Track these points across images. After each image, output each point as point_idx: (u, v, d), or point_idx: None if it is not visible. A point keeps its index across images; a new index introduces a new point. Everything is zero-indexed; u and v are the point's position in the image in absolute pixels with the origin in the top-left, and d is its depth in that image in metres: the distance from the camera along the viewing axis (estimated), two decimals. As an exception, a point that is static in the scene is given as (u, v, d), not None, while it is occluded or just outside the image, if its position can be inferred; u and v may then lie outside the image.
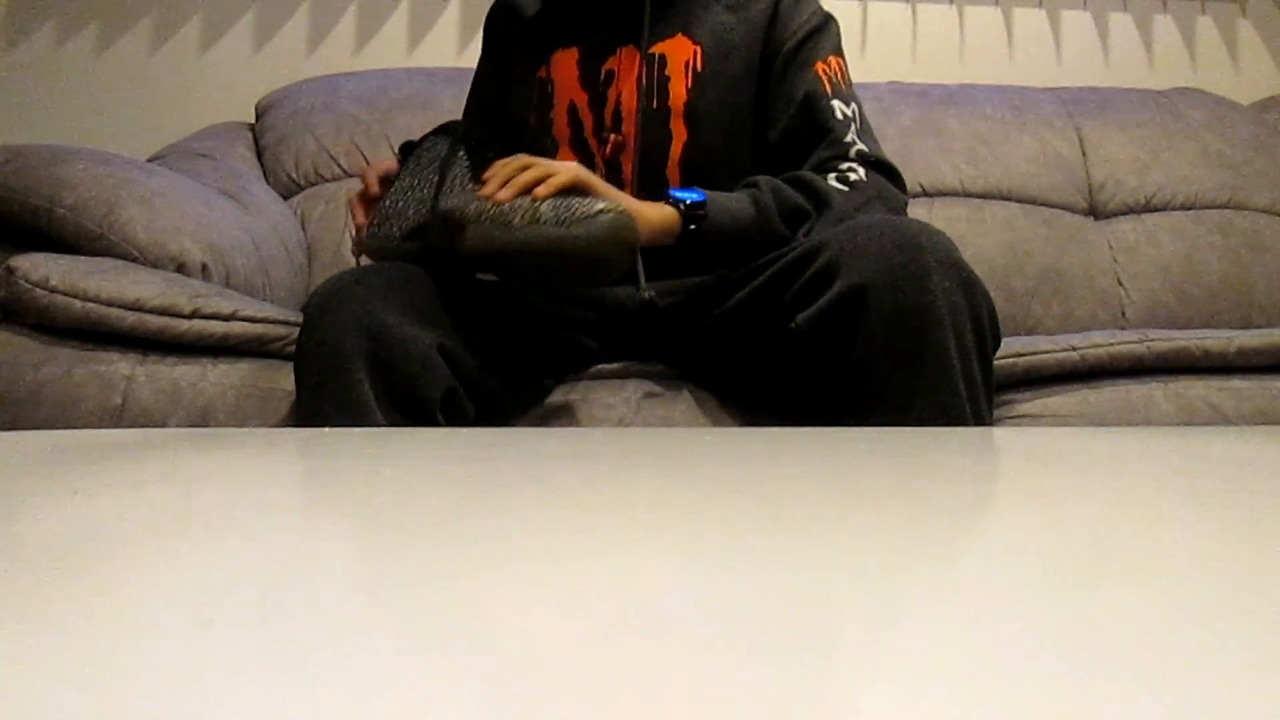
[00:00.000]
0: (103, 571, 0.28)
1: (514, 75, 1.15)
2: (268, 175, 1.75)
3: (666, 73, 1.07)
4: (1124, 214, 1.82)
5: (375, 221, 1.05)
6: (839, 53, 1.11)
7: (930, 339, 0.82)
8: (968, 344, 0.84)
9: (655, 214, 0.96)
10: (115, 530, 0.33)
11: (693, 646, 0.21)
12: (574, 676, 0.19)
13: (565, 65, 1.11)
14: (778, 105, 1.07)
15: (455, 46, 2.00)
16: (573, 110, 1.09)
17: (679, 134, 1.07)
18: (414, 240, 1.00)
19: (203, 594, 0.25)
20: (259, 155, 1.78)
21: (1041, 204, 1.80)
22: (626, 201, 0.95)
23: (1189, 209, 1.82)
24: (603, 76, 1.09)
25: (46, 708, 0.18)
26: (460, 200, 0.96)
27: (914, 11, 2.07)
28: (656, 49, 1.08)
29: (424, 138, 1.05)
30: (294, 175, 1.74)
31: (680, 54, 1.08)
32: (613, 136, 1.08)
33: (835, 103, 1.05)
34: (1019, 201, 1.80)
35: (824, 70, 1.07)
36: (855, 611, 0.24)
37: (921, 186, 1.74)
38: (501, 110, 1.16)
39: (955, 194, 1.78)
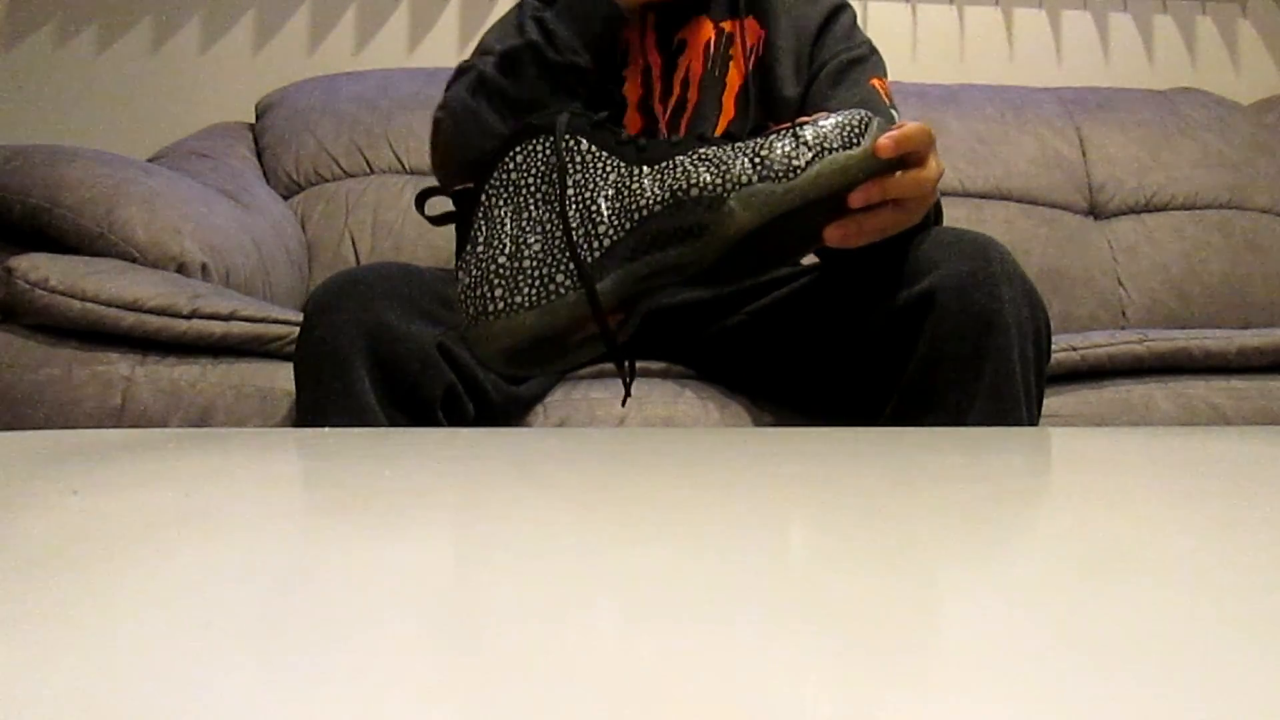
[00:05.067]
0: (103, 571, 0.28)
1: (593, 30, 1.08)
2: (268, 175, 1.75)
3: (731, 51, 1.10)
4: (1124, 214, 1.82)
5: (481, 298, 0.71)
6: (887, 79, 1.13)
7: (995, 345, 0.83)
8: (1028, 354, 0.85)
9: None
10: (115, 530, 0.33)
11: (695, 647, 0.21)
12: (574, 677, 0.19)
13: (637, 29, 1.10)
14: (829, 108, 1.06)
15: (455, 46, 2.00)
16: (646, 73, 1.10)
17: (726, 111, 1.09)
18: (596, 279, 0.70)
19: (203, 594, 0.25)
20: (259, 155, 1.78)
21: (1041, 204, 1.80)
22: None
23: (1189, 209, 1.82)
24: (675, 44, 1.10)
25: (47, 708, 0.18)
26: (684, 174, 0.70)
27: (914, 11, 2.08)
28: (727, 25, 1.11)
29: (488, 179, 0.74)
30: (294, 175, 1.74)
31: (748, 36, 1.11)
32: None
33: (894, 112, 1.06)
34: (1019, 201, 1.80)
35: (880, 85, 1.08)
36: (857, 611, 0.24)
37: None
38: (567, 66, 1.06)
39: (955, 194, 1.78)
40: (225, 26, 1.99)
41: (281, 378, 1.08)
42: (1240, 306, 1.75)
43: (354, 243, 1.68)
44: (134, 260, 1.18)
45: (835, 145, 0.70)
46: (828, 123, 0.71)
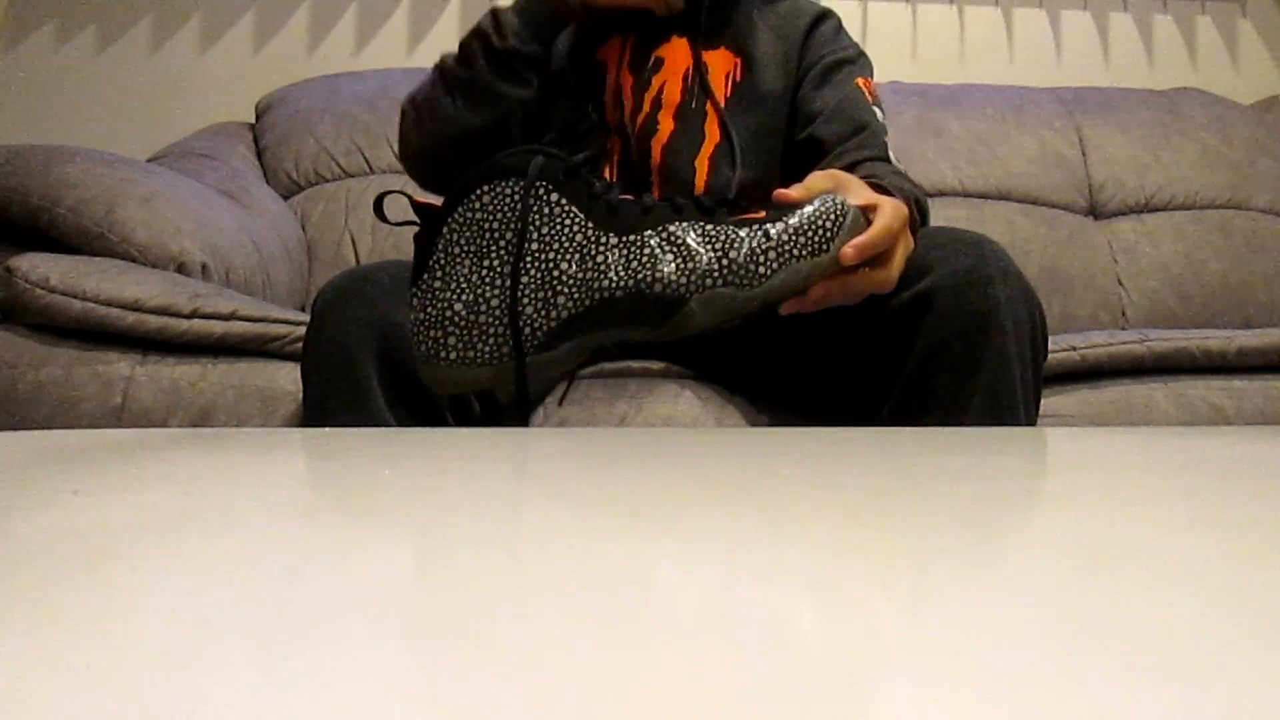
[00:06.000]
0: (103, 571, 0.28)
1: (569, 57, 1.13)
2: (268, 175, 1.75)
3: (708, 79, 1.10)
4: (1124, 214, 1.82)
5: (434, 341, 0.71)
6: (873, 80, 1.15)
7: (991, 345, 0.83)
8: (1025, 352, 0.85)
9: (892, 206, 0.80)
10: (115, 530, 0.33)
11: (695, 647, 0.21)
12: (575, 677, 0.19)
13: (615, 48, 1.12)
14: (814, 105, 1.09)
15: (455, 47, 2.00)
16: (618, 92, 1.11)
17: (711, 135, 1.09)
18: (551, 346, 0.70)
19: (203, 594, 0.25)
20: (259, 155, 1.78)
21: (1041, 204, 1.80)
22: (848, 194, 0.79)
23: (1189, 209, 1.82)
24: (650, 63, 1.11)
25: (47, 708, 0.18)
26: (646, 267, 0.69)
27: (914, 11, 2.07)
28: (705, 54, 1.11)
29: (453, 203, 0.71)
30: (294, 175, 1.74)
31: (723, 65, 1.11)
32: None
33: (876, 109, 1.08)
34: (1019, 201, 1.80)
35: (865, 84, 1.10)
36: (858, 612, 0.24)
37: (921, 187, 1.75)
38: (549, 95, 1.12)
39: (955, 194, 1.78)
40: (225, 26, 1.99)
41: (282, 378, 1.08)
42: (1240, 306, 1.75)
43: (354, 243, 1.68)
44: (134, 260, 1.18)
45: (802, 252, 0.71)
46: (796, 219, 0.71)
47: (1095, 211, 1.83)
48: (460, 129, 1.03)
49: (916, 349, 0.85)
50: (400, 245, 1.67)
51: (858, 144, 1.05)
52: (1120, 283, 1.76)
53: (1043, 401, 1.15)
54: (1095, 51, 2.12)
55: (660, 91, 1.10)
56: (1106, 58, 2.12)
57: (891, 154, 1.07)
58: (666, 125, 1.09)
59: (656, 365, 1.11)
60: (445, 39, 2.01)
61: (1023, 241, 1.74)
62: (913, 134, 1.79)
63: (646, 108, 1.10)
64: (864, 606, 0.24)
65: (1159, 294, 1.75)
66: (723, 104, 1.09)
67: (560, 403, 0.88)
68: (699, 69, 1.10)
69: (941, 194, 1.78)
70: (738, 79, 1.11)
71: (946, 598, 0.25)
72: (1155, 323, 1.72)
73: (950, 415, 0.84)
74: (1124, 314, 1.74)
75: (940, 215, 1.72)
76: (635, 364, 1.11)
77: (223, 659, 0.20)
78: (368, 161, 1.75)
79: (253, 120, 1.85)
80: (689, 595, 0.25)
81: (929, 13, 2.08)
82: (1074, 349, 1.19)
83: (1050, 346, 1.16)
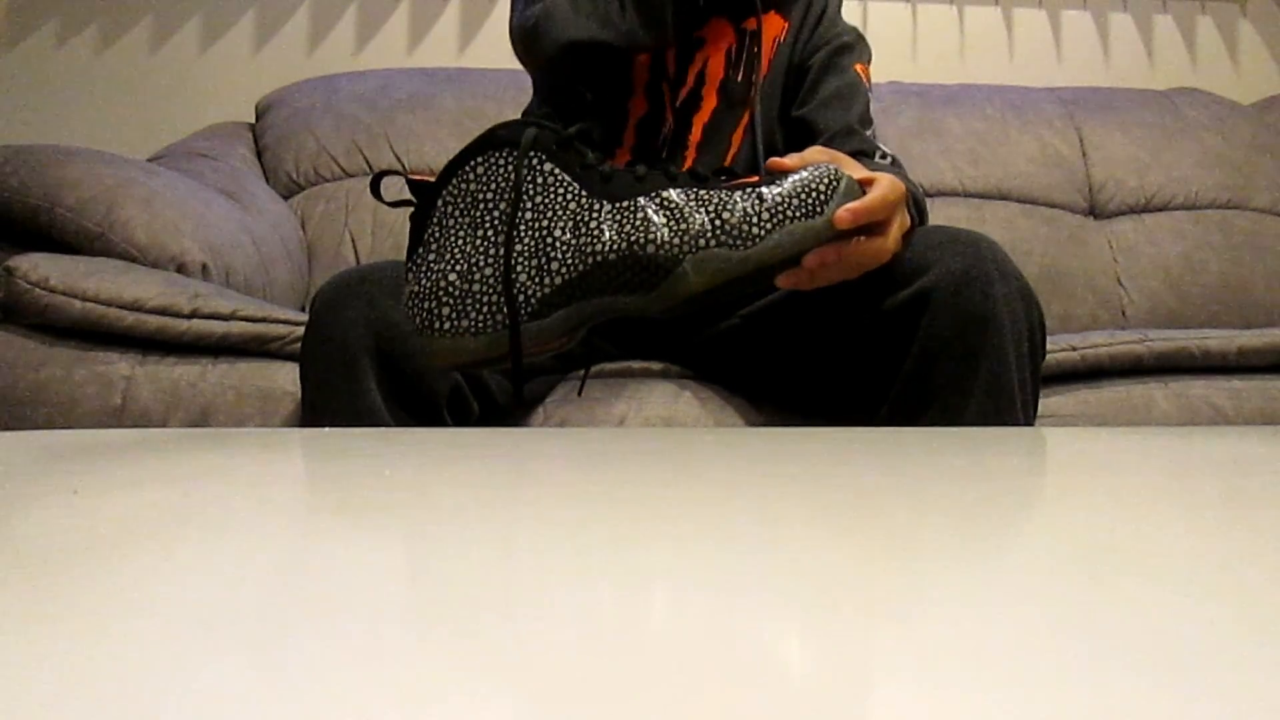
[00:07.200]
0: (103, 571, 0.28)
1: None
2: (268, 175, 1.75)
3: (756, 49, 1.10)
4: (1124, 214, 1.82)
5: (428, 312, 0.70)
6: (869, 65, 1.16)
7: (990, 343, 0.83)
8: (1023, 351, 0.85)
9: (888, 179, 0.79)
10: (115, 530, 0.33)
11: (695, 647, 0.21)
12: (575, 677, 0.19)
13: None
14: (815, 89, 1.10)
15: (455, 46, 2.00)
16: (658, 55, 1.10)
17: (750, 106, 1.10)
18: (544, 314, 0.69)
19: (202, 594, 0.25)
20: (259, 155, 1.78)
21: (1041, 204, 1.80)
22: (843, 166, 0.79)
23: (1189, 209, 1.82)
24: (693, 40, 1.11)
25: (47, 708, 0.18)
26: (632, 228, 0.69)
27: (914, 11, 2.08)
28: (750, 24, 1.11)
29: (449, 175, 0.71)
30: (294, 175, 1.74)
31: (772, 30, 1.12)
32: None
33: (869, 96, 1.10)
34: (1019, 201, 1.80)
35: (863, 70, 1.11)
36: (858, 612, 0.24)
37: (921, 186, 1.75)
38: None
39: (955, 194, 1.78)
40: (225, 26, 1.99)
41: (282, 378, 1.08)
42: (1240, 306, 1.75)
43: (354, 243, 1.68)
44: (134, 260, 1.18)
45: (796, 214, 0.70)
46: (790, 184, 0.71)
47: (1095, 211, 1.83)
48: (617, 36, 1.01)
49: (915, 348, 0.85)
50: (401, 246, 1.67)
51: (846, 129, 1.06)
52: (1120, 283, 1.76)
53: (1043, 401, 1.15)
54: (1095, 51, 2.12)
55: (704, 67, 1.10)
56: (1106, 58, 2.12)
57: (881, 143, 1.07)
58: (710, 101, 1.09)
59: (656, 365, 1.11)
60: (445, 39, 2.01)
61: (1023, 241, 1.74)
62: (913, 134, 1.79)
63: (690, 82, 1.10)
64: (864, 607, 0.24)
65: (1159, 294, 1.75)
66: (766, 72, 1.10)
67: (580, 392, 0.88)
68: (744, 38, 1.11)
69: (941, 194, 1.78)
70: (782, 40, 1.13)
71: (946, 598, 0.25)
72: (1155, 323, 1.72)
73: (948, 414, 0.84)
74: (1124, 314, 1.74)
75: (940, 215, 1.72)
76: (635, 364, 1.11)
77: (222, 659, 0.20)
78: (368, 161, 1.75)
79: (253, 120, 1.85)
80: (688, 595, 0.25)
81: (929, 13, 2.08)
82: (1074, 349, 1.19)
83: (1050, 346, 1.17)
